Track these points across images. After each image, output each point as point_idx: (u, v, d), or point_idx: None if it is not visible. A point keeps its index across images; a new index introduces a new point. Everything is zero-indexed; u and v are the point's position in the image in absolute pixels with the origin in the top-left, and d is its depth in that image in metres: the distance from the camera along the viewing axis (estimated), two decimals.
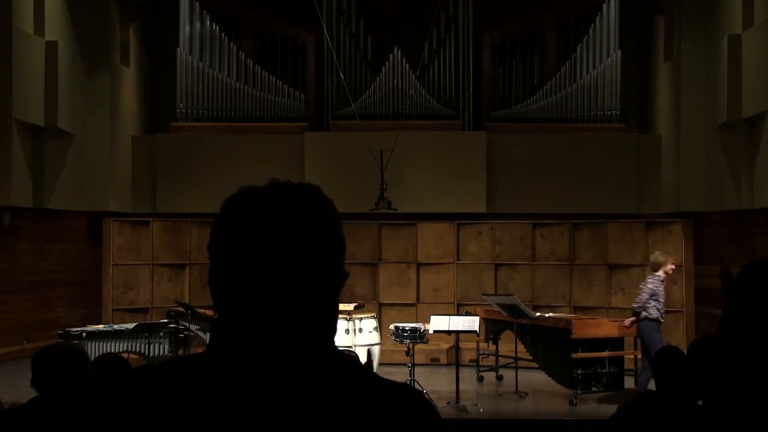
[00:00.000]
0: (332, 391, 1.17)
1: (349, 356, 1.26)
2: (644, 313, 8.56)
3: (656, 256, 8.96)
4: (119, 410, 1.20)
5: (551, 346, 8.99)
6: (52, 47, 11.20)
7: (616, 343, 8.84)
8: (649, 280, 8.76)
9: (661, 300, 8.67)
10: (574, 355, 8.52)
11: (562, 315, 10.23)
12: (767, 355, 2.47)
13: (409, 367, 8.56)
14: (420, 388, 8.44)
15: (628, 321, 8.73)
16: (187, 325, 8.96)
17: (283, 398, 1.15)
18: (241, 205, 1.23)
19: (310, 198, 1.24)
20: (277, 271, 1.18)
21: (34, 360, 3.28)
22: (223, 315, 1.23)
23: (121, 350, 8.60)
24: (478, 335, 9.62)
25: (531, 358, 9.33)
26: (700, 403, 2.71)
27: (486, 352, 10.22)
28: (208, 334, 9.20)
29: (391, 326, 9.03)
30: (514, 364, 9.48)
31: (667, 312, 11.08)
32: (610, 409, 6.16)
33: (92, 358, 3.78)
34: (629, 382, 8.77)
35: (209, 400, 1.16)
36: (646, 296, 8.59)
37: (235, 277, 1.20)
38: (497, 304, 9.59)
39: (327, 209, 1.25)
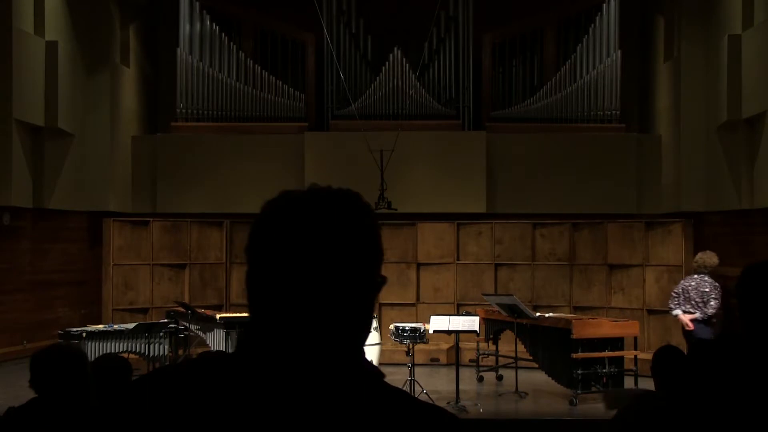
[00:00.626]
0: (350, 401, 1.17)
1: (375, 367, 1.25)
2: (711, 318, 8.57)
3: (709, 258, 8.93)
4: (140, 411, 1.20)
5: (551, 346, 8.99)
6: (52, 47, 11.20)
7: (616, 343, 8.83)
8: (716, 284, 8.67)
9: None
10: (574, 355, 8.52)
11: (562, 315, 10.22)
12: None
13: (409, 367, 8.56)
14: (420, 388, 8.45)
15: (689, 321, 8.66)
16: (187, 325, 8.97)
17: (302, 405, 1.15)
18: (279, 208, 1.23)
19: (349, 204, 1.23)
20: (312, 276, 1.18)
21: (32, 360, 3.27)
22: (255, 317, 1.23)
23: (121, 350, 8.60)
24: (478, 335, 9.61)
25: (531, 358, 9.33)
26: (699, 403, 2.71)
27: (486, 352, 10.22)
28: (208, 334, 9.21)
29: (391, 326, 9.03)
30: (514, 364, 9.48)
31: (667, 312, 11.12)
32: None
33: (92, 358, 3.77)
34: (629, 382, 8.76)
35: (229, 402, 1.16)
36: (719, 301, 8.55)
37: (269, 281, 1.20)
38: (497, 304, 9.59)
39: (365, 216, 1.24)
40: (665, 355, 4.02)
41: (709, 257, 8.92)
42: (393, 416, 1.18)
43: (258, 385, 1.16)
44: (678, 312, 8.72)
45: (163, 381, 1.22)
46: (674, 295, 9.10)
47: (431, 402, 1.30)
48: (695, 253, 11.10)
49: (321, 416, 1.15)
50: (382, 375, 1.25)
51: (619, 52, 12.62)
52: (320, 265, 1.18)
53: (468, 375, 9.99)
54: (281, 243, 1.19)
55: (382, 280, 1.26)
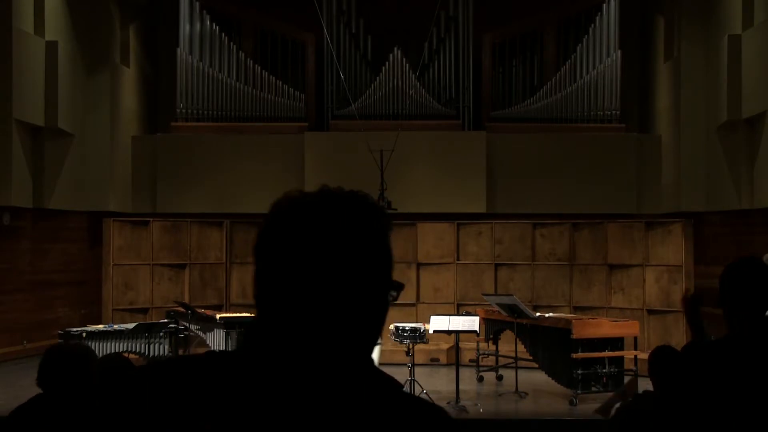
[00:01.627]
0: (351, 403, 1.16)
1: (380, 371, 1.23)
2: None
3: None
4: (140, 404, 1.19)
5: (551, 346, 8.99)
6: (52, 47, 11.20)
7: (616, 343, 8.83)
8: None
9: None
10: (574, 355, 8.52)
11: (562, 315, 10.22)
12: (756, 354, 2.48)
13: (409, 367, 8.56)
14: (420, 388, 8.45)
15: None
16: (187, 325, 8.97)
17: (301, 405, 1.14)
18: (287, 209, 1.22)
19: (357, 206, 1.22)
20: (318, 278, 1.17)
21: (42, 359, 3.28)
22: (261, 316, 1.22)
23: (121, 350, 8.60)
24: (478, 335, 9.61)
25: (531, 358, 9.33)
26: (692, 402, 2.72)
27: (486, 352, 10.21)
28: (208, 334, 9.21)
29: (391, 326, 9.03)
30: (514, 364, 9.48)
31: (667, 312, 11.13)
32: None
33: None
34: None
35: (229, 400, 1.15)
36: None
37: (276, 281, 1.19)
38: (497, 304, 9.58)
39: (373, 218, 1.22)
40: (661, 356, 4.02)
41: None
42: (391, 419, 1.17)
43: (259, 385, 1.15)
44: None
45: (165, 376, 1.21)
46: None
47: (431, 401, 1.29)
48: (695, 253, 11.12)
49: (319, 417, 1.14)
50: (395, 381, 1.22)
51: (619, 52, 12.62)
52: (326, 267, 1.17)
53: (468, 375, 9.99)
54: (289, 244, 1.18)
55: (397, 286, 1.26)
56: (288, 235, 1.19)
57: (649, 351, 4.32)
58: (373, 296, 1.22)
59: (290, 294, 1.18)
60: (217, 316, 9.18)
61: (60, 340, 8.52)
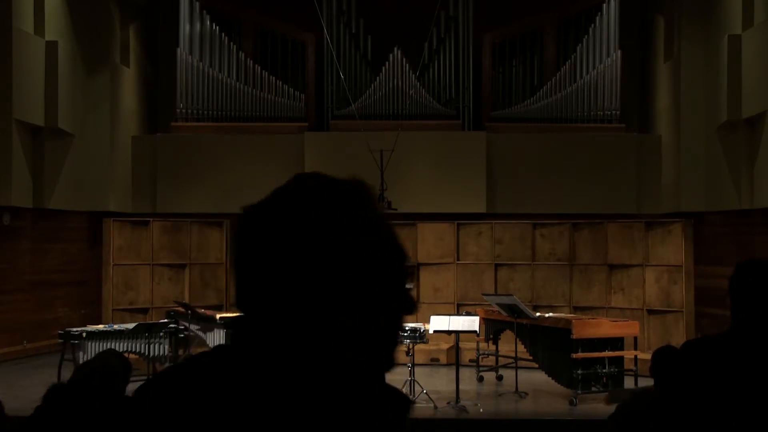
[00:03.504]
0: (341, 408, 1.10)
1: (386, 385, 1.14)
2: None
3: None
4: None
5: (551, 346, 8.99)
6: (52, 47, 11.20)
7: (616, 343, 8.83)
8: None
9: None
10: (574, 355, 8.52)
11: (562, 315, 10.22)
12: (761, 355, 2.48)
13: (409, 367, 8.56)
14: (420, 388, 8.46)
15: None
16: (187, 325, 8.97)
17: (292, 412, 1.08)
18: (245, 215, 1.21)
19: (299, 201, 1.18)
20: (301, 278, 1.09)
21: (89, 361, 3.38)
22: (248, 320, 1.15)
23: (121, 350, 8.59)
24: (478, 335, 9.61)
25: (531, 358, 9.33)
26: (697, 402, 2.72)
27: (486, 352, 10.21)
28: (208, 334, 9.21)
29: None
30: (514, 364, 9.48)
31: (667, 312, 11.13)
32: (610, 408, 6.15)
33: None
34: (629, 382, 8.77)
35: (229, 406, 1.08)
36: None
37: (257, 284, 1.13)
38: (497, 304, 9.58)
39: (318, 213, 1.15)
40: (663, 356, 4.03)
41: None
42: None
43: (259, 389, 1.09)
44: None
45: (163, 390, 1.12)
46: None
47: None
48: (695, 254, 11.12)
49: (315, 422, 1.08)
50: (402, 398, 1.15)
51: (619, 52, 12.63)
52: (307, 261, 1.09)
53: (468, 375, 9.99)
54: (263, 242, 1.14)
55: (399, 288, 1.13)
56: (262, 234, 1.15)
57: (650, 351, 4.34)
58: (370, 292, 1.11)
59: (275, 295, 1.10)
60: (217, 316, 9.18)
61: (60, 340, 8.55)
